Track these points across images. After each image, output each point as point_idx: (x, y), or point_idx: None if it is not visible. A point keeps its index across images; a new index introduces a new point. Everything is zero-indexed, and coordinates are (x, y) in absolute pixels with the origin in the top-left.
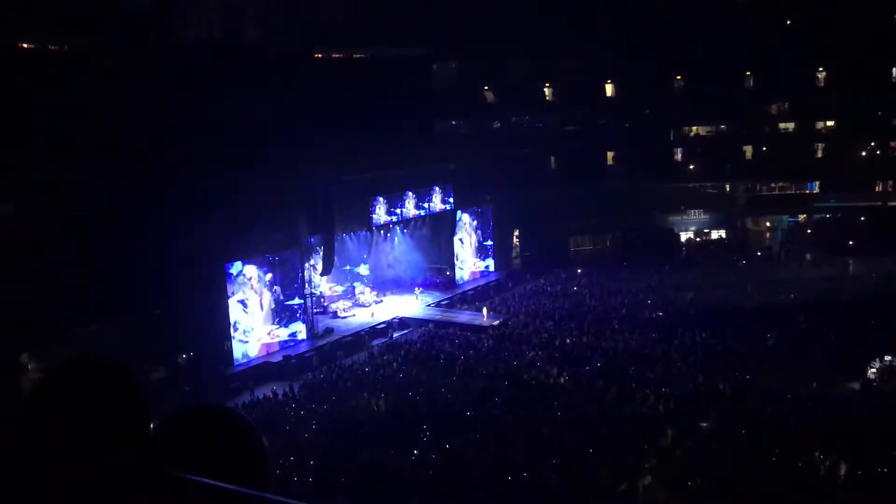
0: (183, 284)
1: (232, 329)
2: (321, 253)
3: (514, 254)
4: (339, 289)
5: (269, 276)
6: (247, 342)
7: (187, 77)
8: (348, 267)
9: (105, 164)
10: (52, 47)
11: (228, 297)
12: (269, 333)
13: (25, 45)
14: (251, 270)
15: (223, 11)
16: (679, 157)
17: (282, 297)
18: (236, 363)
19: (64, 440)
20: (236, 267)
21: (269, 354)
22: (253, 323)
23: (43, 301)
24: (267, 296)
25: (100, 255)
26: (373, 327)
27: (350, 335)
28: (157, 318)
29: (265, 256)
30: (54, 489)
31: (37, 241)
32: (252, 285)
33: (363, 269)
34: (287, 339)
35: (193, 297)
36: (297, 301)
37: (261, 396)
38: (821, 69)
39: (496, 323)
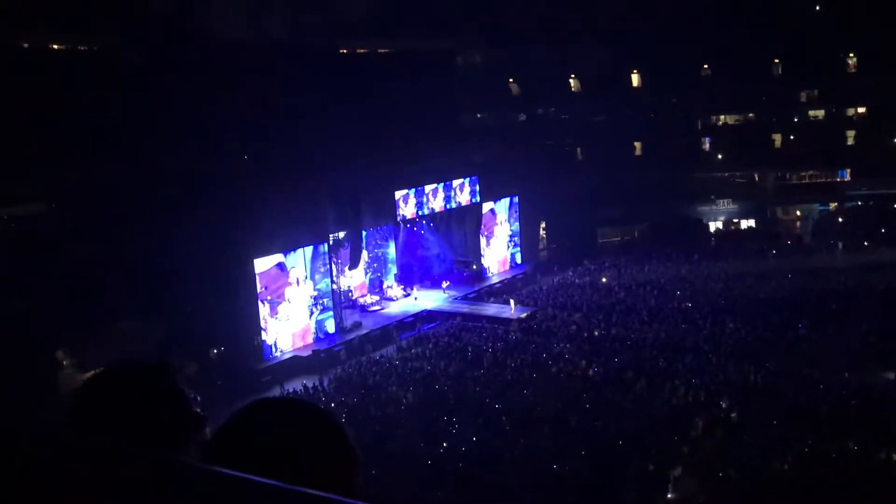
0: (213, 281)
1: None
2: (349, 247)
3: (541, 245)
4: (365, 279)
5: (305, 270)
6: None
7: (215, 75)
8: (375, 265)
9: (135, 163)
10: (82, 48)
11: (259, 292)
12: (304, 328)
13: (56, 47)
14: (290, 263)
15: (249, 9)
16: (707, 146)
17: (315, 292)
18: (267, 357)
19: (108, 440)
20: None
21: (300, 348)
22: (290, 316)
23: (76, 299)
24: (303, 289)
25: (131, 253)
26: (401, 321)
27: (378, 329)
28: (189, 314)
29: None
30: (94, 482)
31: (69, 239)
32: (289, 279)
33: (391, 266)
34: (315, 333)
35: (223, 293)
36: (326, 301)
37: (291, 390)
38: (851, 55)
39: (524, 315)
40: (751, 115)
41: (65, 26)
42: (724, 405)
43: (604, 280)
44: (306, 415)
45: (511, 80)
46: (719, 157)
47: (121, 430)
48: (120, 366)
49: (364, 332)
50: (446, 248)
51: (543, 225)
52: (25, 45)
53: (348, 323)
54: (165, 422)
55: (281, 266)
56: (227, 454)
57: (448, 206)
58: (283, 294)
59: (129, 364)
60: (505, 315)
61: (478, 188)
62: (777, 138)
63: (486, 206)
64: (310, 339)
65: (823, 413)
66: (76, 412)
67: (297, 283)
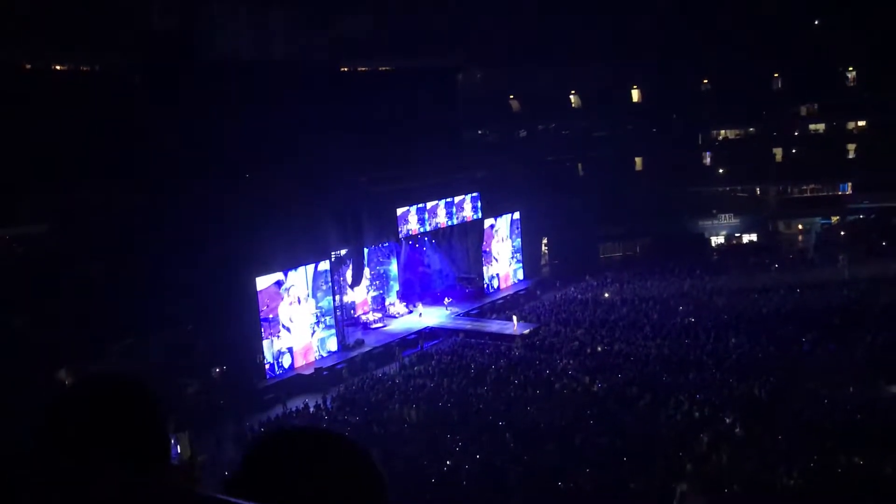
0: (215, 299)
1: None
2: (351, 264)
3: (543, 261)
4: (367, 297)
5: (306, 288)
6: (286, 353)
7: (216, 94)
8: (377, 282)
9: (136, 183)
10: (84, 69)
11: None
12: (306, 346)
13: (58, 67)
14: (291, 281)
15: (250, 28)
16: (708, 161)
17: (317, 310)
18: (270, 375)
19: (79, 455)
20: (271, 279)
21: (303, 367)
22: (294, 334)
23: (78, 318)
24: (306, 307)
25: (133, 272)
26: (403, 338)
27: (381, 346)
28: (191, 332)
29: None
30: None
31: (71, 259)
32: (291, 297)
33: (393, 283)
34: (318, 351)
35: (225, 312)
36: (329, 319)
37: (293, 409)
38: (850, 68)
39: (526, 332)
40: (751, 129)
41: (67, 47)
42: (728, 420)
43: (606, 295)
44: (334, 446)
45: (512, 96)
46: (720, 171)
47: (84, 444)
48: (83, 381)
49: (367, 349)
50: (448, 264)
51: (545, 241)
52: (28, 66)
53: (351, 341)
54: (127, 436)
55: (279, 284)
56: (254, 487)
57: (450, 223)
58: (284, 312)
59: (91, 379)
60: (508, 331)
61: (479, 204)
62: (778, 152)
63: (488, 223)
64: (312, 358)
65: (829, 428)
66: (45, 428)
67: (299, 301)
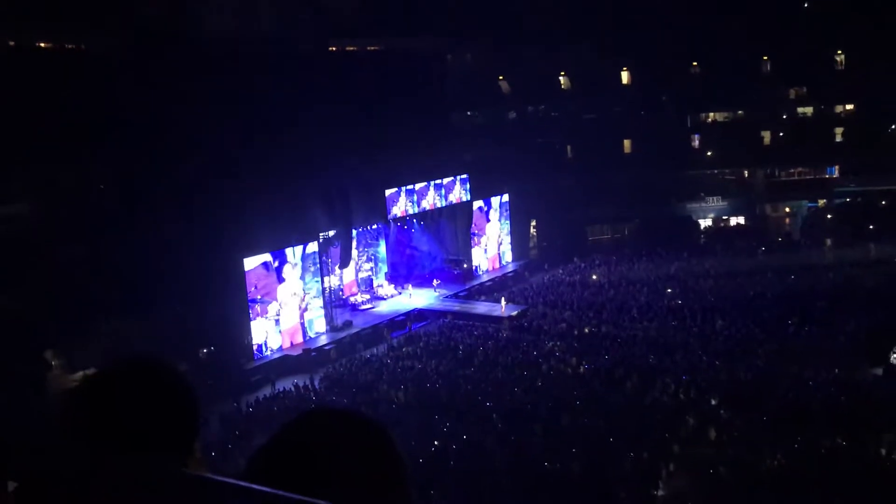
0: (202, 279)
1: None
2: (339, 246)
3: (531, 244)
4: (355, 278)
5: (294, 269)
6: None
7: (203, 73)
8: (369, 264)
9: (123, 162)
10: (69, 46)
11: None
12: (294, 326)
13: (42, 44)
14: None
15: (237, 7)
16: (696, 143)
17: (305, 291)
18: (257, 356)
19: (109, 441)
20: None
21: (291, 348)
22: (282, 314)
23: (65, 299)
24: (294, 288)
25: (119, 253)
26: (391, 319)
27: (369, 328)
28: (178, 313)
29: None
30: (95, 490)
31: (57, 239)
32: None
33: (381, 264)
34: (306, 332)
35: (213, 293)
36: (319, 300)
37: (281, 390)
38: (839, 52)
39: (514, 314)
40: (740, 112)
41: (53, 24)
42: (714, 402)
43: (594, 278)
44: (360, 428)
45: (501, 77)
46: (709, 154)
47: (123, 431)
48: (120, 364)
49: (355, 330)
50: (436, 246)
51: (534, 223)
52: (12, 44)
53: (339, 322)
54: (169, 422)
55: (266, 265)
56: (279, 469)
57: (438, 205)
58: (273, 293)
59: (130, 361)
60: (496, 313)
61: (468, 186)
62: (766, 135)
63: (477, 205)
64: (300, 339)
65: (813, 410)
66: (77, 413)
67: (288, 281)
